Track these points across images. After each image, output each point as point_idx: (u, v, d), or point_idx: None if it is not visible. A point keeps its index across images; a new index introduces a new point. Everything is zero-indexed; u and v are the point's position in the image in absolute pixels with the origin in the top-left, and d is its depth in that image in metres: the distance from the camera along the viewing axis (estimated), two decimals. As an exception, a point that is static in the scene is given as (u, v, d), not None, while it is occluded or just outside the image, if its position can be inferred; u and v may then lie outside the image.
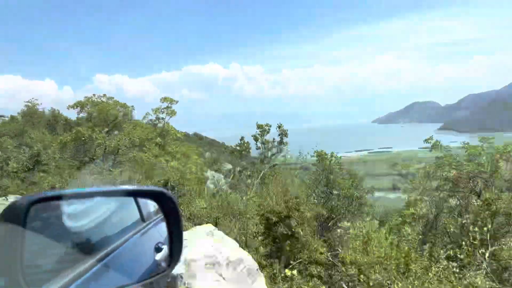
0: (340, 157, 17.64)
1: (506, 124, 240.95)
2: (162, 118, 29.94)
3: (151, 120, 30.25)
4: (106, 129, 23.35)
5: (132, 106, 26.33)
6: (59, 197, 1.54)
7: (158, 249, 1.96)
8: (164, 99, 30.19)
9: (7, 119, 31.05)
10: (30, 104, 30.46)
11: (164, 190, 1.83)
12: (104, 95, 26.15)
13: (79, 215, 1.61)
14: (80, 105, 25.07)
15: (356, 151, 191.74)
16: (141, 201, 2.07)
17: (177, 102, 30.52)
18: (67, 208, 1.56)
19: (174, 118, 30.01)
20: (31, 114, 29.88)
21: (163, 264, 1.89)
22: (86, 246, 1.66)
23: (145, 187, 2.04)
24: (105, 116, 23.89)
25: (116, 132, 23.83)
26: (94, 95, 25.84)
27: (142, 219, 2.18)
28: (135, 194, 1.90)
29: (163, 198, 1.83)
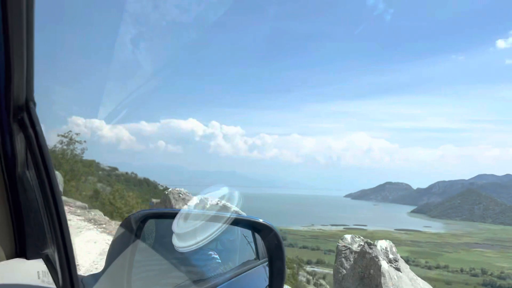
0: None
1: (477, 215, 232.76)
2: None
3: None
4: None
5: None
6: (172, 215, 1.57)
7: None
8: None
9: None
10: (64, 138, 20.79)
11: (270, 224, 1.65)
12: None
13: (189, 236, 1.57)
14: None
15: (332, 225, 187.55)
16: (259, 238, 1.99)
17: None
18: (179, 226, 1.56)
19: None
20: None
21: None
22: (193, 270, 1.71)
23: (252, 218, 1.68)
24: None
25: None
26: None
27: (257, 255, 2.15)
28: (241, 224, 1.78)
29: (268, 233, 1.64)
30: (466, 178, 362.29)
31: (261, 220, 1.70)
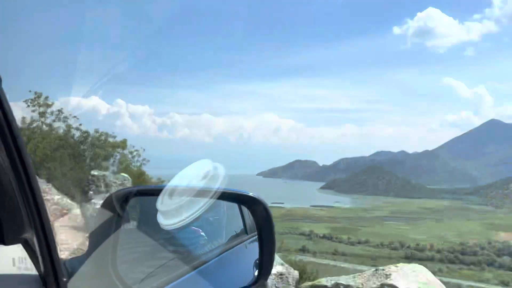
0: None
1: (381, 189, 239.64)
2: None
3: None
4: None
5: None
6: (156, 192, 1.51)
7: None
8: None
9: None
10: None
11: (259, 197, 1.59)
12: None
13: (174, 213, 1.52)
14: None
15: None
16: (246, 211, 1.93)
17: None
18: (164, 204, 1.50)
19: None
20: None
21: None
22: (180, 249, 1.67)
23: (240, 192, 1.63)
24: None
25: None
26: None
27: (246, 230, 2.10)
28: (228, 197, 1.70)
29: (257, 206, 1.58)
30: (366, 154, 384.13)
31: (250, 194, 1.62)
